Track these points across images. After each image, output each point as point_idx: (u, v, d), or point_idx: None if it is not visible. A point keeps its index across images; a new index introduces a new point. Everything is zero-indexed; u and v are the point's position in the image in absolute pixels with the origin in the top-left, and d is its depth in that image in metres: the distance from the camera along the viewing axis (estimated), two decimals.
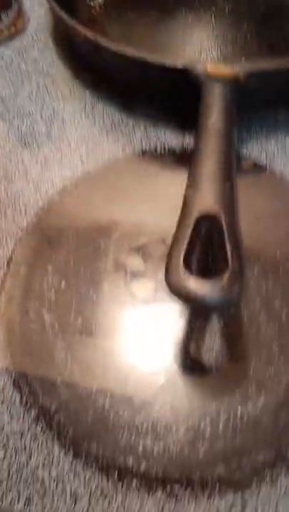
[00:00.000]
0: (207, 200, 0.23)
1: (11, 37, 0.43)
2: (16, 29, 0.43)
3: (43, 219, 0.33)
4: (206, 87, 0.30)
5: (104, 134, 0.37)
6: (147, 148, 0.36)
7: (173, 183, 0.34)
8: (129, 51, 0.32)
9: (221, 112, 0.28)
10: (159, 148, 0.36)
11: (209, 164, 0.25)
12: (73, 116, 0.38)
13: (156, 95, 0.37)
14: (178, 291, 0.21)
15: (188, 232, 0.22)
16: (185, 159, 0.35)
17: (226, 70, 0.31)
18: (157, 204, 0.33)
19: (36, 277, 0.30)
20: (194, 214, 0.22)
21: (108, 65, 0.36)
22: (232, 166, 0.26)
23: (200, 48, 0.41)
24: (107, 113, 0.38)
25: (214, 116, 0.28)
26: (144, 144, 0.36)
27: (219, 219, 0.22)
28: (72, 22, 0.35)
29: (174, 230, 0.23)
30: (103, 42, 0.33)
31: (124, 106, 0.38)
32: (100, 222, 0.32)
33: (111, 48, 0.32)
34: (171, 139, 0.36)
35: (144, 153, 0.36)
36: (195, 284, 0.20)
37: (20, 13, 0.43)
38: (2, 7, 0.41)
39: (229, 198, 0.24)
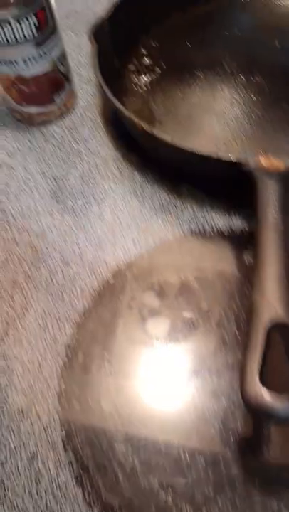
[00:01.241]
0: (277, 309, 0.24)
1: (62, 115, 0.46)
2: (67, 108, 0.46)
3: (98, 302, 0.34)
4: (260, 182, 0.31)
5: (154, 214, 0.38)
6: (195, 229, 0.37)
7: (220, 263, 0.36)
8: (185, 145, 0.33)
9: (277, 208, 0.30)
10: (206, 230, 0.37)
11: (273, 267, 0.26)
12: (124, 197, 0.39)
13: (204, 180, 0.38)
14: (256, 407, 0.21)
15: (260, 344, 0.23)
16: (231, 240, 0.37)
17: (279, 164, 0.32)
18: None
19: (94, 365, 0.31)
20: (265, 324, 0.23)
21: (159, 150, 0.38)
22: None
23: (242, 128, 0.42)
24: (156, 194, 0.39)
25: (271, 212, 0.29)
26: (192, 224, 0.37)
27: None
28: (127, 112, 0.37)
29: None
30: (159, 134, 0.35)
31: (172, 188, 0.39)
32: (152, 302, 0.33)
33: (167, 141, 0.34)
34: (218, 220, 0.37)
35: (192, 234, 0.37)
36: (273, 399, 0.21)
37: (71, 92, 0.46)
38: (56, 89, 0.43)
39: None
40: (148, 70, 0.48)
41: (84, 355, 0.31)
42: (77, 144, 0.43)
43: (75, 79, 0.49)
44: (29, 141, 0.44)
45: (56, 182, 0.41)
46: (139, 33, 0.50)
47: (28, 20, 0.37)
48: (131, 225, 0.38)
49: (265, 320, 0.24)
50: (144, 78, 0.48)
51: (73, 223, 0.38)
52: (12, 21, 0.36)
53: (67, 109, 0.46)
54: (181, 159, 0.36)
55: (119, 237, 0.37)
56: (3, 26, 0.36)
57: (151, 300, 0.34)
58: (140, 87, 0.47)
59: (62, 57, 0.42)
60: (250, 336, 0.23)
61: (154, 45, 0.50)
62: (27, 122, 0.46)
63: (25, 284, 0.35)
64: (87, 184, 0.40)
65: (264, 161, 0.33)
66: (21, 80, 0.41)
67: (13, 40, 0.37)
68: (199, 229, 0.37)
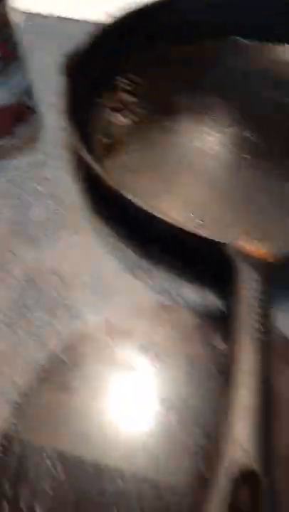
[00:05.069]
0: (247, 457, 0.20)
1: (23, 151, 0.41)
2: (30, 142, 0.41)
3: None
4: (238, 269, 0.28)
5: (121, 276, 0.33)
6: (164, 300, 0.33)
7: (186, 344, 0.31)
8: (161, 214, 0.29)
9: (257, 305, 0.26)
10: (176, 301, 0.33)
11: (245, 396, 0.22)
12: (86, 253, 0.35)
13: (178, 251, 0.34)
14: None
15: (225, 494, 0.19)
16: (203, 316, 0.32)
17: (260, 253, 0.28)
18: None
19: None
20: (232, 471, 0.19)
21: (131, 212, 0.33)
22: (271, 395, 0.23)
23: (224, 194, 0.38)
24: (124, 254, 0.35)
25: (249, 312, 0.25)
26: (161, 295, 0.33)
27: (258, 478, 0.19)
28: (98, 169, 0.32)
29: None
30: (135, 201, 0.30)
31: (142, 250, 0.35)
32: None
33: (141, 207, 0.30)
34: (190, 293, 0.33)
35: (159, 305, 0.33)
36: None
37: (36, 125, 0.41)
38: (17, 121, 0.38)
39: (270, 450, 0.20)
40: (126, 109, 0.44)
41: None
42: (39, 184, 0.39)
43: (44, 108, 0.44)
44: None
45: (10, 226, 0.36)
46: (118, 66, 0.46)
47: None
48: (94, 285, 0.33)
49: (233, 465, 0.19)
50: (121, 119, 0.43)
51: (23, 278, 0.33)
52: None
53: (30, 144, 0.41)
54: (149, 222, 0.32)
55: (74, 302, 0.32)
56: None
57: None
58: (114, 129, 0.43)
59: (27, 88, 0.37)
60: (217, 486, 0.19)
61: (135, 82, 0.46)
62: None
63: None
64: (45, 234, 0.35)
65: (247, 247, 0.29)
66: None
67: None
68: (169, 298, 0.33)
